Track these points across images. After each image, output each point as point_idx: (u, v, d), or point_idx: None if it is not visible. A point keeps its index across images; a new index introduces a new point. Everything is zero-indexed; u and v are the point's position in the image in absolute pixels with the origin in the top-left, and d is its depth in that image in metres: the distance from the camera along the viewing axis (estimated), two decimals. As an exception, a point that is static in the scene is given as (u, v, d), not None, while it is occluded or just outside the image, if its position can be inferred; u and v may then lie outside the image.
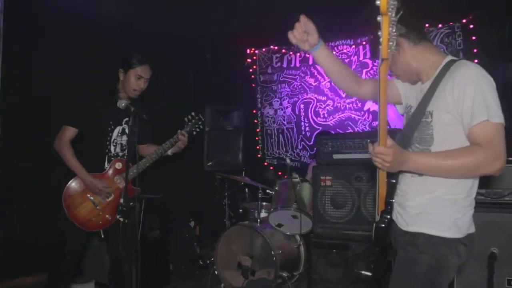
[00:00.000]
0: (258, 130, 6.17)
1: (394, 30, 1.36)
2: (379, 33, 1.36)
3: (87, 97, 2.91)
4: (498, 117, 1.57)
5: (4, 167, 3.63)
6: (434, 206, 1.71)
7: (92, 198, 2.81)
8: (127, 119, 2.92)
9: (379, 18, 1.34)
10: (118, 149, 2.92)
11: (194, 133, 3.14)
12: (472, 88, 1.59)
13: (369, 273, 2.77)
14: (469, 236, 1.72)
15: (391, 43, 1.38)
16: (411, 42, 1.77)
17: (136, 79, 2.85)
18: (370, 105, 5.36)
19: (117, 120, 2.90)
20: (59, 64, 4.07)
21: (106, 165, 2.88)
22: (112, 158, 2.89)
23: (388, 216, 1.75)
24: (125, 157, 2.93)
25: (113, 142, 2.90)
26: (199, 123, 3.14)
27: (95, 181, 2.78)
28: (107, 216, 2.85)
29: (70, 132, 2.80)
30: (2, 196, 3.62)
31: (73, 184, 2.80)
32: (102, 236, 2.88)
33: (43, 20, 4.06)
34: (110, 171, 2.88)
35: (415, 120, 1.77)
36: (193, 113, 3.13)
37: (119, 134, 2.92)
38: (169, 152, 3.03)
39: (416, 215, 1.74)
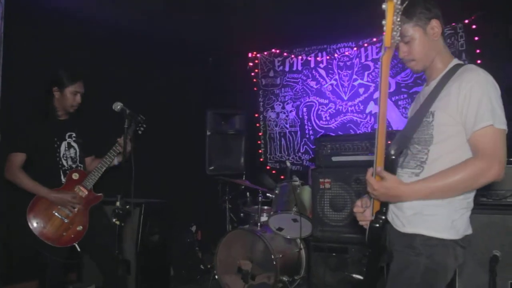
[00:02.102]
0: (260, 134, 6.14)
1: (398, 19, 1.36)
2: (383, 21, 1.35)
3: (26, 120, 2.92)
4: (503, 124, 1.59)
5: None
6: (431, 207, 1.68)
7: (58, 213, 2.80)
8: (70, 133, 2.95)
9: (384, 6, 1.34)
10: (70, 162, 2.93)
11: (140, 132, 2.97)
12: (479, 93, 1.59)
13: (360, 277, 2.73)
14: (466, 238, 1.70)
15: (395, 33, 1.37)
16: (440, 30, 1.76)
17: (73, 96, 2.88)
18: (372, 108, 5.31)
19: (60, 136, 2.92)
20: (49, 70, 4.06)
21: (63, 179, 2.88)
22: (67, 172, 2.90)
23: (383, 217, 1.72)
24: (79, 167, 2.95)
25: (63, 157, 2.91)
26: (138, 119, 2.85)
27: (60, 195, 2.79)
28: (78, 228, 2.83)
29: (18, 157, 2.79)
30: (3, 198, 3.62)
31: (34, 204, 2.76)
32: (78, 249, 2.84)
33: (42, 24, 4.09)
34: (69, 183, 2.88)
35: (417, 120, 1.75)
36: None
37: (67, 148, 2.93)
38: (115, 162, 2.97)
39: (413, 215, 1.71)
